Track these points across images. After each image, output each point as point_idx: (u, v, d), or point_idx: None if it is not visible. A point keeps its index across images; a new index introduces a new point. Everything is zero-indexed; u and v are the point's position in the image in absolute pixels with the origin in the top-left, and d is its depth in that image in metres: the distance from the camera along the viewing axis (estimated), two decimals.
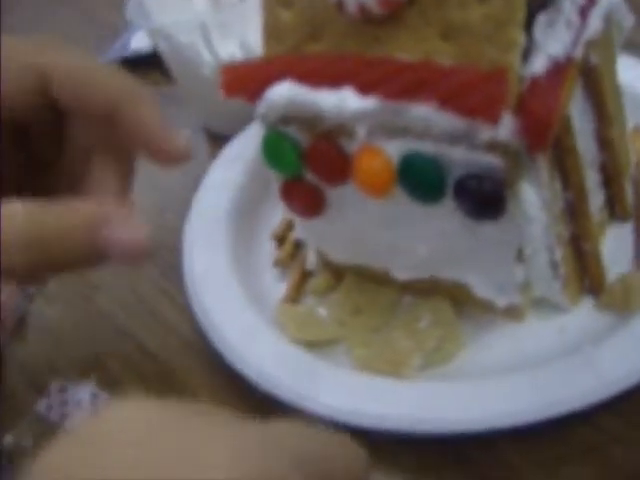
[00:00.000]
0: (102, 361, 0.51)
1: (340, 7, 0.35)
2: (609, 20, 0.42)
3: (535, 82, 0.33)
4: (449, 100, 0.31)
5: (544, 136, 0.31)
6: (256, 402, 0.42)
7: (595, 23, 0.39)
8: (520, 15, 0.32)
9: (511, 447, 0.38)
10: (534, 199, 0.35)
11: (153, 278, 0.57)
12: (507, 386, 0.38)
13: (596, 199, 0.44)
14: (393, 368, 0.41)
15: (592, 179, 0.43)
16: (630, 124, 0.50)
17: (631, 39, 0.46)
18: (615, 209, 0.46)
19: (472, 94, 0.31)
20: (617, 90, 0.46)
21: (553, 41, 0.35)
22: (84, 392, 0.46)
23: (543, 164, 0.35)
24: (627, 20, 0.45)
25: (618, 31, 0.45)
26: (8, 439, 0.45)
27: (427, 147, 0.34)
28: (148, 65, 0.77)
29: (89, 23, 1.01)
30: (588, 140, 0.42)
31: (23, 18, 1.09)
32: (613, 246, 0.45)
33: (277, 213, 0.49)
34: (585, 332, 0.41)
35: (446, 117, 0.32)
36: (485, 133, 0.32)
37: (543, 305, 0.42)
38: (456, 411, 0.38)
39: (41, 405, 0.47)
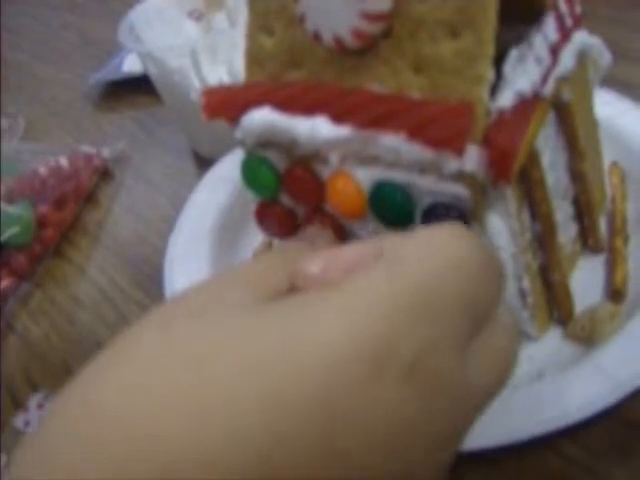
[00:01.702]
0: None
1: (317, 38, 0.36)
2: (584, 58, 0.43)
3: (501, 116, 0.33)
4: (417, 131, 0.32)
5: (508, 169, 0.32)
6: None
7: (567, 61, 0.40)
8: (489, 51, 0.33)
9: (473, 472, 0.38)
10: (501, 229, 0.36)
11: (136, 296, 0.57)
12: None
13: (568, 231, 0.44)
14: None
15: (564, 211, 0.44)
16: (608, 159, 0.51)
17: (611, 74, 0.47)
18: (588, 241, 0.47)
19: (439, 126, 0.32)
20: (593, 125, 0.47)
21: (521, 77, 0.36)
22: None
23: (510, 195, 0.36)
24: (604, 58, 0.46)
25: (595, 69, 0.46)
26: None
27: (397, 176, 0.35)
28: (139, 87, 0.79)
29: (85, 45, 1.02)
30: (560, 173, 0.43)
31: (23, 40, 1.11)
32: (585, 277, 0.46)
33: (258, 233, 0.50)
34: (552, 361, 0.41)
35: (414, 148, 0.33)
36: (452, 164, 0.33)
37: None
38: None
39: (19, 420, 0.48)
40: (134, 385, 0.21)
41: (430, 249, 0.25)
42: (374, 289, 0.23)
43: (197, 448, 0.19)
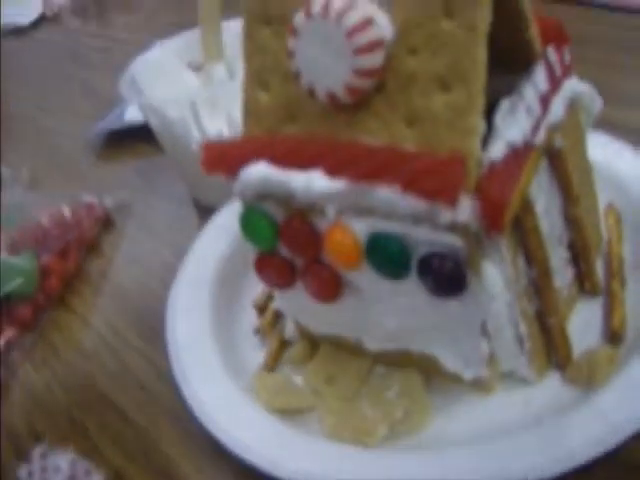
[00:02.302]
0: (83, 427, 0.51)
1: (312, 94, 0.37)
2: (575, 105, 0.44)
3: (493, 167, 0.34)
4: (410, 184, 0.33)
5: (500, 219, 0.33)
6: (236, 470, 0.43)
7: (558, 110, 0.41)
8: (479, 103, 0.34)
9: None
10: (496, 277, 0.36)
11: (138, 345, 0.58)
12: (471, 457, 0.38)
13: (564, 275, 0.45)
14: (359, 437, 0.42)
15: (559, 256, 0.44)
16: (603, 201, 0.52)
17: (603, 117, 0.48)
18: (585, 285, 0.47)
19: (432, 178, 0.32)
20: (587, 169, 0.48)
21: (512, 128, 0.36)
22: (63, 459, 0.47)
23: (505, 244, 0.37)
24: (595, 105, 0.47)
25: (587, 114, 0.47)
26: None
27: (393, 227, 0.36)
28: (140, 136, 0.80)
29: (87, 96, 1.04)
30: (555, 218, 0.43)
31: (28, 90, 1.12)
32: (582, 321, 0.46)
33: (259, 283, 0.51)
34: (550, 406, 0.41)
35: (408, 199, 0.33)
36: (446, 215, 0.33)
37: (510, 378, 0.43)
38: None
39: (23, 471, 0.48)
40: None
41: None
42: None
43: None
